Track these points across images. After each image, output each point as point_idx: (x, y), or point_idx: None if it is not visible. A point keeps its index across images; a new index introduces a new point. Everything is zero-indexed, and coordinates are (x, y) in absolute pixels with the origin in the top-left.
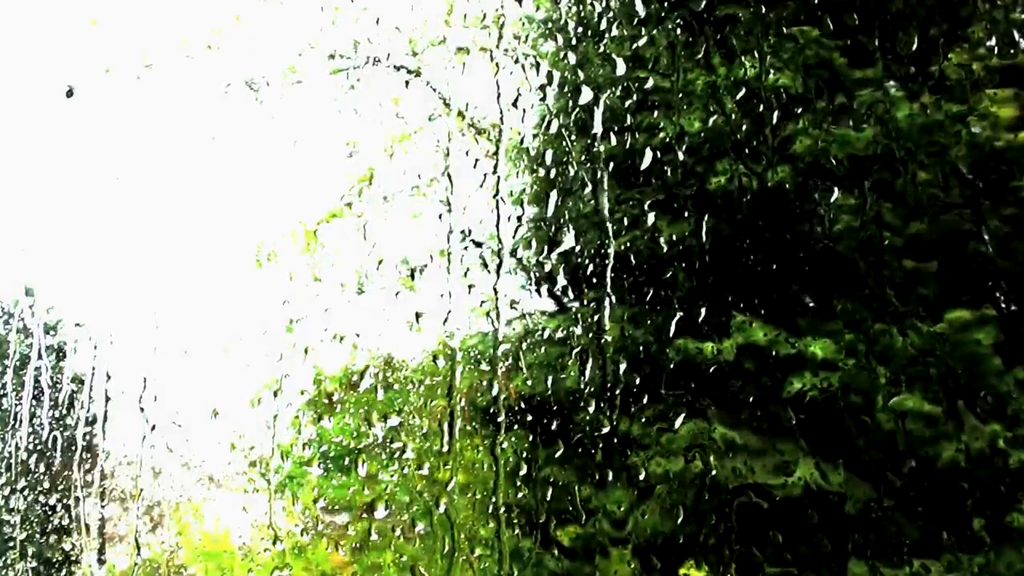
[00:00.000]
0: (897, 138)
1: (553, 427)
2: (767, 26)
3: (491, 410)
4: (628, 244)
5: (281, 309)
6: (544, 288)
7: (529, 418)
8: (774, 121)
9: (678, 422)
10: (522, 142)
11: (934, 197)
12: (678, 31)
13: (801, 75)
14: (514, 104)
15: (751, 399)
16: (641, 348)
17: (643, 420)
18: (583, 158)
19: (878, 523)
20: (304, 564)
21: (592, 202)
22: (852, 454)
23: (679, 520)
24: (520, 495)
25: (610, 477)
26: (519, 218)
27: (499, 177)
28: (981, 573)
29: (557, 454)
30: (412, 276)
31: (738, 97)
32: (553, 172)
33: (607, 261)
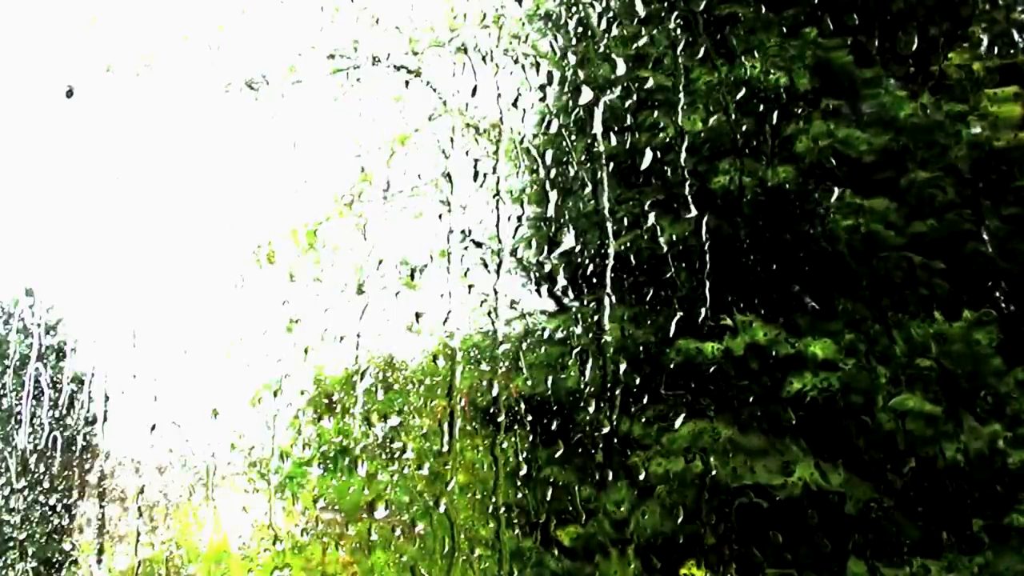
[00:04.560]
0: (897, 138)
1: (553, 427)
2: (767, 26)
3: (491, 410)
4: (628, 244)
5: (281, 309)
6: (544, 288)
7: (529, 418)
8: (774, 121)
9: (678, 422)
10: (522, 142)
11: (934, 197)
12: (679, 30)
13: (803, 75)
14: (514, 104)
15: (751, 399)
16: (641, 348)
17: (643, 420)
18: (583, 158)
19: (878, 523)
20: (304, 564)
21: (592, 202)
22: (852, 454)
23: (679, 520)
24: (520, 495)
25: (610, 477)
26: (519, 218)
27: (499, 177)
28: (981, 573)
29: (557, 454)
30: (412, 276)
31: (739, 97)
32: (553, 172)
33: (607, 261)
